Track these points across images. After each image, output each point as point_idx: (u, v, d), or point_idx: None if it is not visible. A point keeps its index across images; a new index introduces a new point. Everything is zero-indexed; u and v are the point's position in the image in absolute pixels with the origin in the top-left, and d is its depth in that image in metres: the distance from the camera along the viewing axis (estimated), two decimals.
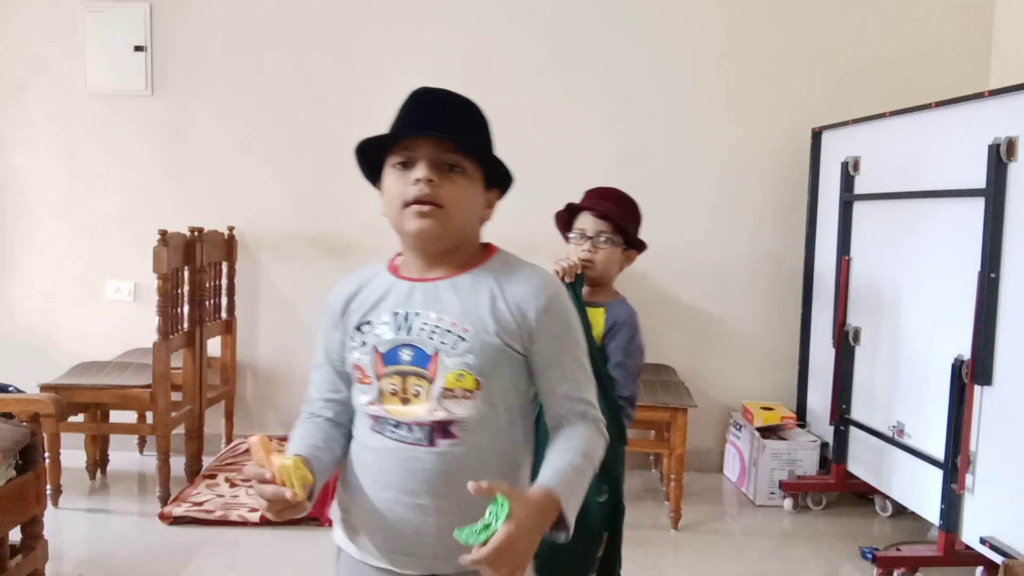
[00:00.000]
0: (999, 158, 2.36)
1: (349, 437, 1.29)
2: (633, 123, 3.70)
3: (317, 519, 2.86)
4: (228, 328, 3.68)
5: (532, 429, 1.26)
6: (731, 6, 3.68)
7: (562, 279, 1.78)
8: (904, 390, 2.87)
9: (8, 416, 2.30)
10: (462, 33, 3.67)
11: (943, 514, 2.56)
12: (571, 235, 1.93)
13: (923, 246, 2.79)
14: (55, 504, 3.01)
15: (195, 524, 2.94)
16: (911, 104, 2.89)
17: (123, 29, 3.69)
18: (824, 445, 3.39)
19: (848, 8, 3.67)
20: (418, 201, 1.16)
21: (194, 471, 3.35)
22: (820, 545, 2.99)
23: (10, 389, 2.54)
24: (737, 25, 3.69)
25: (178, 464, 3.31)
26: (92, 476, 3.42)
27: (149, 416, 3.18)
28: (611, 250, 1.90)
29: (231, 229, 3.69)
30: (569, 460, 1.16)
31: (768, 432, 3.43)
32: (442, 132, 1.16)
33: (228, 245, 3.67)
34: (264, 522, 2.90)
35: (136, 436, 3.72)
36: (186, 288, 3.27)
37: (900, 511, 3.15)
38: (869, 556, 2.78)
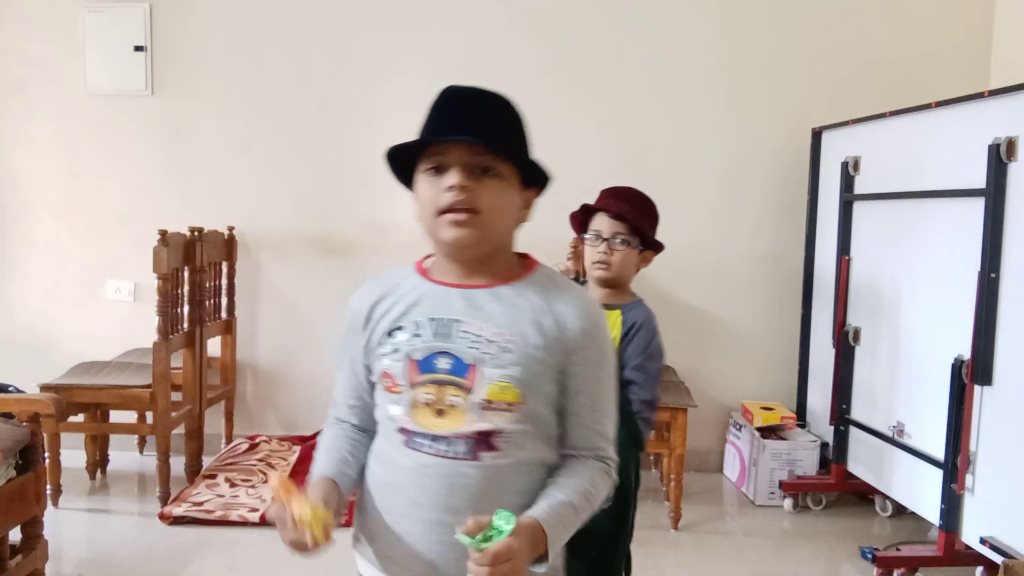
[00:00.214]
0: (999, 158, 2.36)
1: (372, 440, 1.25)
2: (633, 123, 3.70)
3: None
4: (228, 328, 3.68)
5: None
6: (731, 6, 3.68)
7: None
8: (904, 390, 2.87)
9: (8, 416, 2.31)
10: (462, 34, 3.67)
11: (943, 514, 2.56)
12: (586, 236, 1.90)
13: (923, 246, 2.79)
14: (55, 504, 3.01)
15: (195, 524, 2.94)
16: (911, 104, 2.89)
17: (123, 29, 3.69)
18: (824, 445, 3.39)
19: (848, 8, 3.67)
20: (452, 209, 1.11)
21: (194, 471, 3.35)
22: (820, 545, 2.99)
23: (10, 389, 2.54)
24: (737, 25, 3.69)
25: (178, 464, 3.31)
26: (92, 476, 3.42)
27: (149, 416, 3.18)
28: (627, 251, 1.86)
29: (231, 229, 3.69)
30: (568, 498, 1.13)
31: (768, 432, 3.43)
32: (473, 135, 1.11)
33: (228, 245, 3.67)
34: (264, 522, 2.90)
35: (136, 436, 3.72)
36: (186, 288, 3.27)
37: (900, 511, 3.15)
38: (869, 556, 2.78)
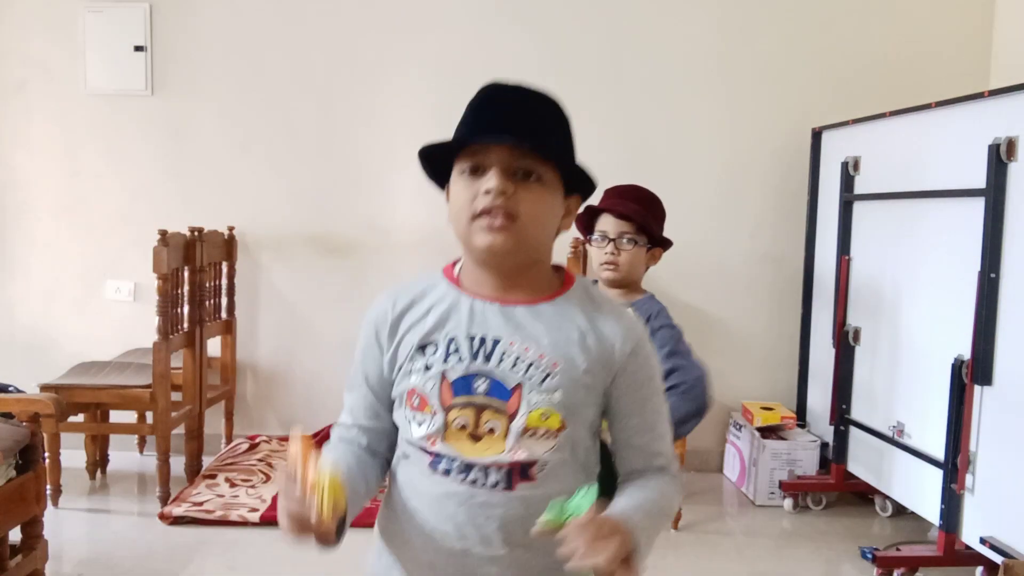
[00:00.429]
0: (999, 158, 2.36)
1: (385, 467, 1.15)
2: (633, 123, 3.70)
3: None
4: (228, 328, 3.68)
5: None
6: (731, 7, 3.68)
7: None
8: (904, 390, 2.87)
9: (8, 416, 2.30)
10: (462, 34, 3.67)
11: (943, 514, 2.56)
12: (592, 237, 1.87)
13: (923, 246, 2.79)
14: (55, 504, 3.01)
15: (195, 524, 2.94)
16: (911, 104, 2.89)
17: (123, 29, 3.69)
18: (824, 445, 3.39)
19: (848, 8, 3.67)
20: (489, 212, 1.02)
21: (194, 471, 3.35)
22: (820, 545, 2.99)
23: (10, 389, 2.54)
24: (737, 25, 3.69)
25: (178, 464, 3.31)
26: (92, 476, 3.41)
27: (149, 416, 3.18)
28: (635, 251, 1.84)
29: (231, 229, 3.69)
30: (646, 498, 1.08)
31: (768, 432, 3.43)
32: (517, 136, 1.02)
33: (228, 245, 3.67)
34: (264, 522, 2.90)
35: (136, 436, 3.72)
36: (186, 288, 3.27)
37: (900, 511, 3.14)
38: (869, 556, 2.78)
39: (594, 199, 1.92)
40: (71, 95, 3.72)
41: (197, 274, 3.32)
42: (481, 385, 1.04)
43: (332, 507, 0.93)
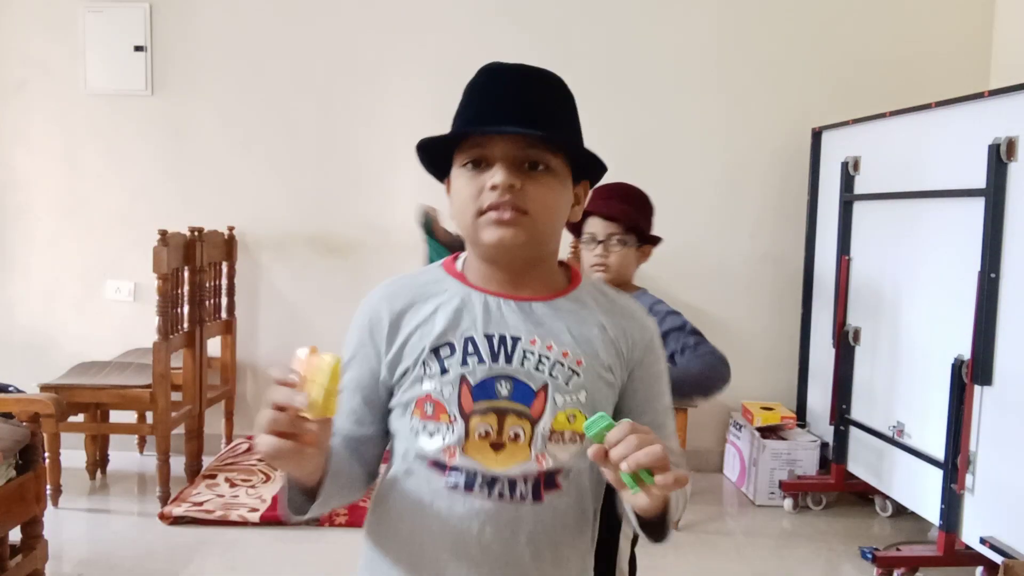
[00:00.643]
0: (999, 158, 2.36)
1: (368, 479, 1.04)
2: (633, 123, 3.70)
3: (316, 519, 2.86)
4: (228, 328, 3.68)
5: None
6: (731, 7, 3.68)
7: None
8: (904, 390, 2.87)
9: (8, 416, 2.31)
10: (462, 33, 3.66)
11: (943, 514, 2.56)
12: (582, 239, 1.87)
13: (923, 246, 2.79)
14: (55, 504, 3.01)
15: (195, 524, 2.94)
16: (911, 104, 2.89)
17: (123, 29, 3.68)
18: (824, 445, 3.39)
19: (848, 8, 3.67)
20: (495, 208, 0.95)
21: (194, 471, 3.35)
22: (820, 545, 2.99)
23: (10, 389, 2.54)
24: (737, 25, 3.69)
25: (178, 464, 3.31)
26: (92, 476, 3.41)
27: (149, 416, 3.18)
28: (624, 251, 1.83)
29: (231, 229, 3.69)
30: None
31: (768, 432, 3.43)
32: (523, 123, 0.95)
33: (228, 245, 3.67)
34: (264, 522, 2.90)
35: (136, 436, 3.72)
36: (186, 288, 3.27)
37: (900, 511, 3.15)
38: (869, 556, 2.78)
39: None
40: (71, 95, 3.72)
41: (197, 274, 3.32)
42: (504, 388, 0.96)
43: (327, 398, 0.80)
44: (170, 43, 3.70)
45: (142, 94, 3.72)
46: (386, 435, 1.04)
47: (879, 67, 3.64)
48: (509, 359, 0.97)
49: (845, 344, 3.20)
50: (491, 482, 0.96)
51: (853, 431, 3.17)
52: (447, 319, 0.99)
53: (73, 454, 3.29)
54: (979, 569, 2.55)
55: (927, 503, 2.69)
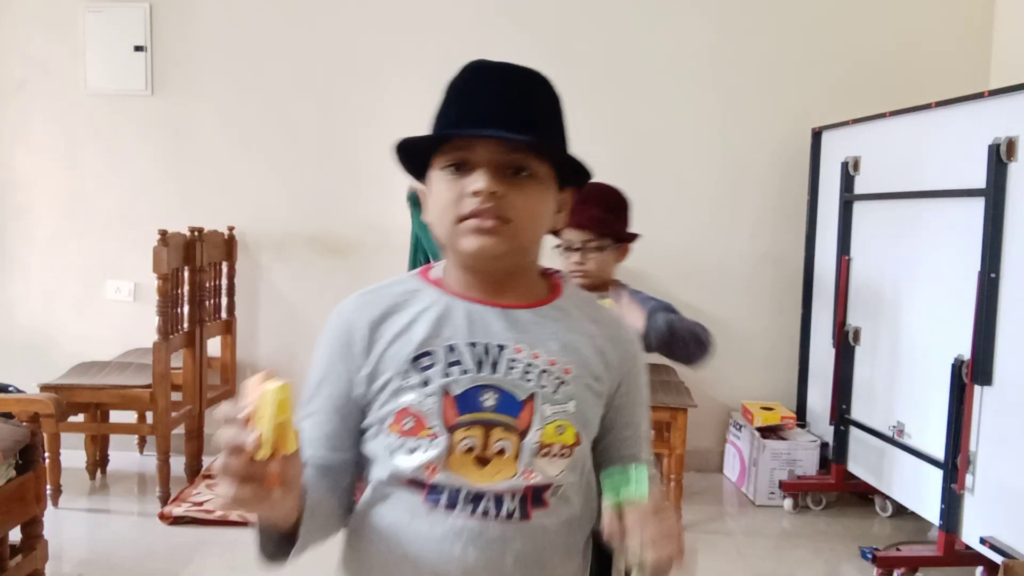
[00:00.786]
0: (999, 158, 2.36)
1: (347, 510, 0.98)
2: (633, 123, 3.70)
3: None
4: (228, 328, 3.68)
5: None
6: (731, 6, 3.68)
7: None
8: (904, 390, 2.87)
9: (8, 416, 2.30)
10: (462, 34, 3.66)
11: (943, 514, 2.56)
12: (558, 247, 1.86)
13: (923, 246, 2.79)
14: (55, 504, 3.01)
15: (195, 524, 2.94)
16: (911, 104, 2.89)
17: (123, 29, 3.68)
18: (824, 445, 3.39)
19: (848, 8, 3.67)
20: (476, 215, 0.90)
21: (194, 471, 3.34)
22: (820, 545, 2.99)
23: (10, 389, 2.54)
24: (737, 25, 3.69)
25: (178, 464, 3.31)
26: (92, 476, 3.41)
27: (149, 416, 3.18)
28: (601, 256, 1.85)
29: (231, 229, 3.69)
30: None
31: (768, 432, 3.43)
32: (508, 126, 0.90)
33: (228, 245, 3.67)
34: None
35: (136, 436, 3.72)
36: (186, 288, 3.27)
37: (900, 511, 3.14)
38: (869, 556, 2.78)
39: None
40: (71, 95, 3.72)
41: (197, 274, 3.32)
42: (489, 399, 0.92)
43: (280, 431, 0.72)
44: (170, 43, 3.70)
45: (142, 94, 3.72)
46: (362, 460, 0.98)
47: (879, 67, 3.64)
48: (494, 368, 0.92)
49: (845, 344, 3.20)
50: (475, 499, 0.90)
51: (853, 431, 3.17)
52: (428, 327, 0.94)
53: (73, 454, 3.29)
54: (979, 569, 2.55)
55: (927, 503, 2.69)
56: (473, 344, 0.93)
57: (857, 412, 3.17)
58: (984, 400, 2.44)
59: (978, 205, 2.44)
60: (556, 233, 1.84)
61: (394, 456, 0.92)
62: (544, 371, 0.93)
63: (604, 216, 1.85)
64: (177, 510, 2.98)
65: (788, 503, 3.29)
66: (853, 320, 3.19)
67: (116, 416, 3.44)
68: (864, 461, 3.11)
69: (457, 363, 0.92)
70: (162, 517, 2.97)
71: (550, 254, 2.00)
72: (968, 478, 2.48)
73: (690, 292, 3.70)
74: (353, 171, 3.70)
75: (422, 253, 3.15)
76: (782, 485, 3.32)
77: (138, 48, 3.70)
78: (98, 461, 3.45)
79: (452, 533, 0.90)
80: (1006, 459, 2.37)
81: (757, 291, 3.75)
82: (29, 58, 3.71)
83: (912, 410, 2.82)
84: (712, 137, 3.71)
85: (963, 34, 3.65)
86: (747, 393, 3.72)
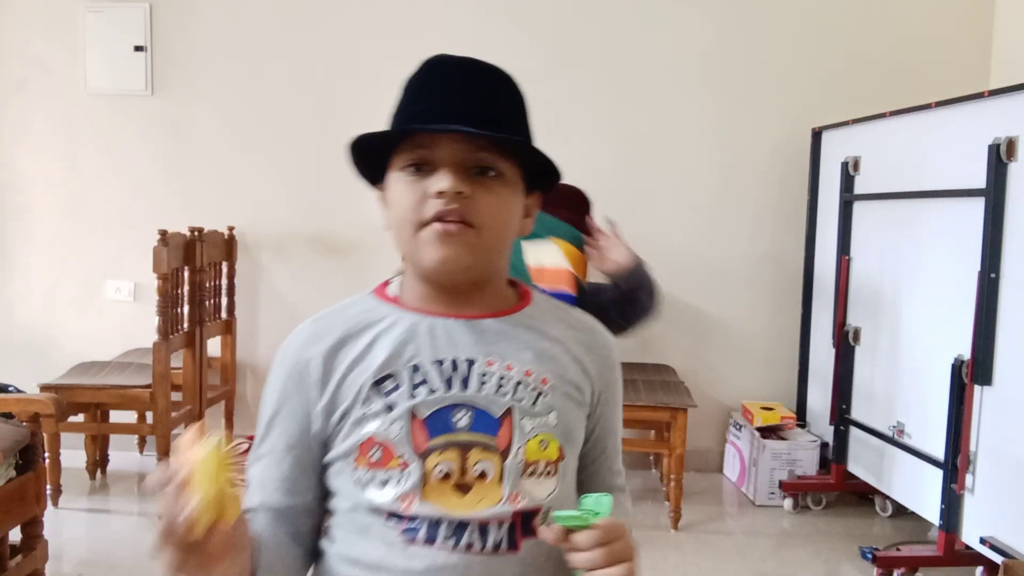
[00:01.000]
0: (999, 158, 2.36)
1: (311, 560, 0.91)
2: (633, 123, 3.70)
3: None
4: (228, 328, 3.68)
5: None
6: (731, 6, 3.68)
7: None
8: (904, 390, 2.87)
9: (8, 416, 2.30)
10: (462, 33, 3.66)
11: (943, 514, 2.56)
12: None
13: (923, 246, 2.79)
14: (55, 504, 3.01)
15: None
16: (911, 104, 2.89)
17: (123, 29, 3.68)
18: (824, 445, 3.39)
19: (848, 8, 3.67)
20: (440, 220, 0.84)
21: None
22: (820, 545, 2.99)
23: (10, 389, 2.54)
24: (737, 25, 3.69)
25: None
26: (92, 476, 3.41)
27: (149, 416, 3.18)
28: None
29: (231, 229, 3.69)
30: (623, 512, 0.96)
31: (768, 432, 3.43)
32: (474, 124, 0.84)
33: (228, 245, 3.67)
34: None
35: (136, 436, 3.72)
36: (186, 288, 3.27)
37: (900, 511, 3.14)
38: (869, 556, 2.78)
39: (590, 199, 1.93)
40: (71, 95, 3.72)
41: (197, 274, 3.32)
42: (463, 419, 0.84)
43: (219, 499, 0.68)
44: (170, 43, 3.70)
45: (142, 94, 3.72)
46: (325, 501, 0.91)
47: (879, 67, 3.64)
48: (465, 385, 0.85)
49: (845, 344, 3.20)
50: (458, 530, 0.83)
51: (853, 431, 3.17)
52: (388, 349, 0.87)
53: (73, 454, 3.29)
54: (979, 569, 2.55)
55: (927, 503, 2.69)
56: (439, 361, 0.86)
57: (857, 412, 3.17)
58: (984, 400, 2.44)
59: (978, 205, 2.44)
60: None
61: (366, 490, 0.85)
62: (520, 383, 0.87)
63: (571, 217, 1.86)
64: None
65: (788, 503, 3.29)
66: (853, 320, 3.19)
67: (116, 416, 3.44)
68: (864, 461, 3.11)
69: (423, 383, 0.85)
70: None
71: None
72: (968, 478, 2.48)
73: (690, 292, 3.71)
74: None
75: None
76: (782, 485, 3.32)
77: (138, 48, 3.70)
78: (98, 461, 3.45)
79: (432, 570, 0.82)
80: (1006, 459, 2.37)
81: (757, 291, 3.75)
82: (29, 58, 3.71)
83: (912, 410, 2.82)
84: (712, 137, 3.71)
85: (963, 34, 3.65)
86: (747, 393, 3.72)
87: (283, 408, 0.90)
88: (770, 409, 3.51)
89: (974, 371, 2.44)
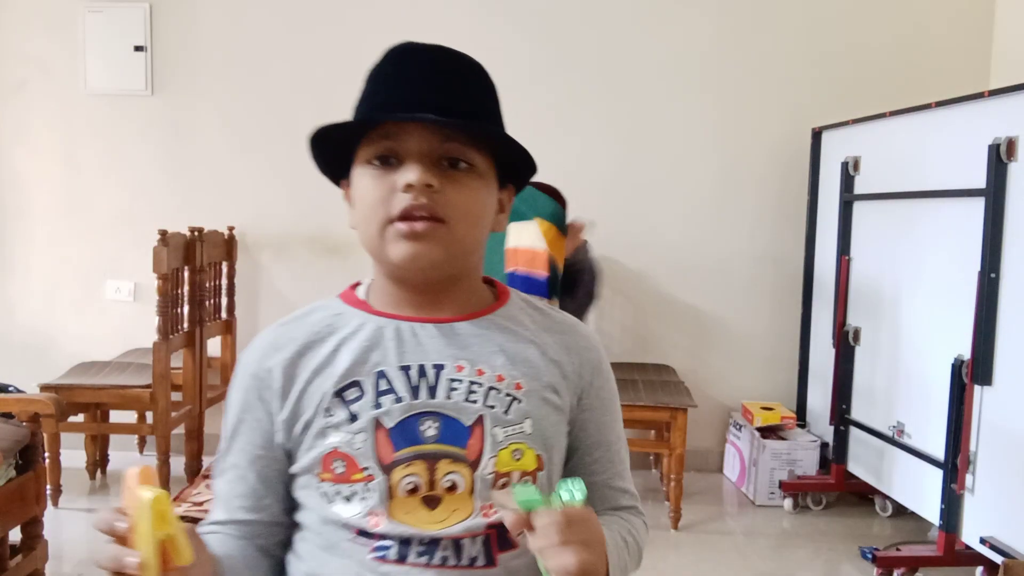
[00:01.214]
0: (999, 158, 2.36)
1: (279, 570, 0.87)
2: (633, 123, 3.70)
3: None
4: (228, 328, 3.68)
5: None
6: (731, 6, 3.68)
7: None
8: (904, 390, 2.87)
9: (8, 416, 2.30)
10: (462, 33, 3.65)
11: (943, 514, 2.56)
12: None
13: (923, 246, 2.79)
14: (55, 504, 3.01)
15: (195, 524, 2.93)
16: (911, 104, 2.89)
17: (123, 29, 3.68)
18: (824, 445, 3.39)
19: (848, 8, 3.67)
20: (408, 216, 0.80)
21: (194, 471, 3.34)
22: (820, 545, 2.99)
23: (10, 389, 2.54)
24: (737, 25, 3.69)
25: (178, 464, 3.31)
26: (92, 476, 3.41)
27: (149, 416, 3.18)
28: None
29: (231, 229, 3.69)
30: (622, 526, 0.87)
31: (768, 432, 3.43)
32: (443, 113, 0.79)
33: (228, 245, 3.67)
34: None
35: (136, 436, 3.72)
36: (186, 288, 3.27)
37: (900, 511, 3.14)
38: (869, 556, 2.78)
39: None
40: (71, 95, 3.72)
41: (197, 274, 3.32)
42: (430, 428, 0.80)
43: (168, 545, 0.65)
44: (170, 43, 3.70)
45: (142, 94, 3.72)
46: (293, 513, 0.87)
47: (879, 67, 3.64)
48: (432, 392, 0.81)
49: (845, 344, 3.20)
50: (430, 547, 0.78)
51: (853, 431, 3.17)
52: (352, 356, 0.83)
53: (73, 454, 3.29)
54: (979, 569, 2.55)
55: (927, 503, 2.69)
56: (406, 367, 0.82)
57: (857, 412, 3.17)
58: (984, 400, 2.44)
59: (978, 205, 2.44)
60: None
61: (332, 504, 0.81)
62: (492, 389, 0.82)
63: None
64: (177, 510, 2.97)
65: (788, 503, 3.29)
66: (853, 320, 3.19)
67: (116, 416, 3.44)
68: (864, 461, 3.11)
69: (388, 391, 0.81)
70: None
71: None
72: (968, 478, 2.48)
73: (690, 292, 3.71)
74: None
75: None
76: (782, 485, 3.32)
77: (138, 48, 3.70)
78: (98, 461, 3.45)
79: None
80: (1006, 459, 2.37)
81: (757, 291, 3.75)
82: (29, 58, 3.71)
83: (912, 410, 2.82)
84: (712, 137, 3.71)
85: (963, 34, 3.65)
86: (747, 393, 3.72)
87: (245, 420, 0.86)
88: (770, 409, 3.51)
89: (974, 371, 2.44)
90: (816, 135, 3.54)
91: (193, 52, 3.71)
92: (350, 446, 0.80)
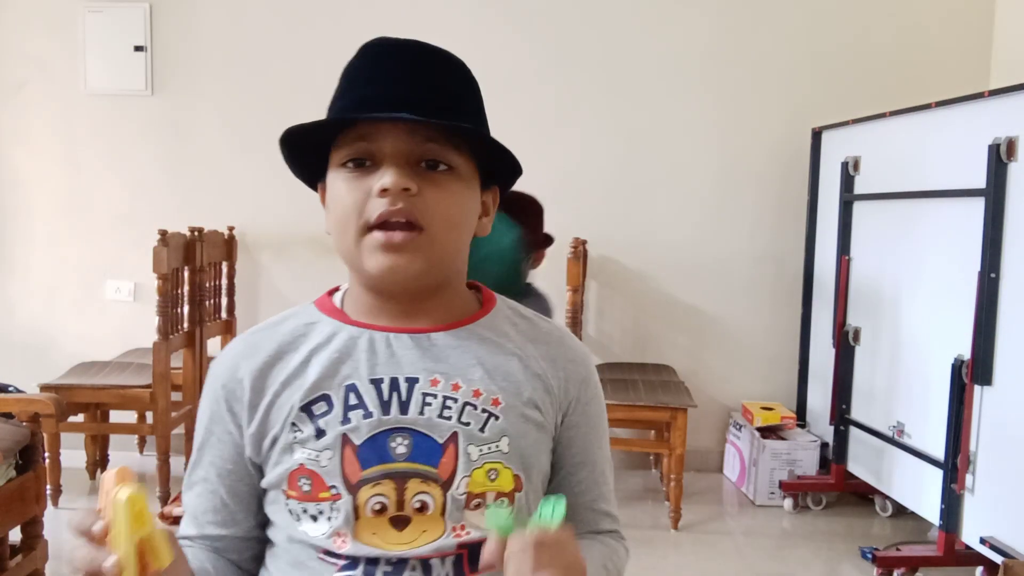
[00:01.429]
0: (999, 158, 2.36)
1: None
2: (633, 123, 3.70)
3: None
4: (228, 328, 3.68)
5: None
6: (730, 6, 3.68)
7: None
8: (904, 390, 2.87)
9: (8, 416, 2.30)
10: (462, 33, 3.66)
11: (943, 514, 2.56)
12: None
13: (923, 246, 2.79)
14: (55, 504, 3.00)
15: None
16: (911, 104, 2.89)
17: (123, 29, 3.68)
18: (824, 445, 3.39)
19: (848, 7, 3.67)
20: (385, 224, 0.75)
21: None
22: (820, 545, 2.99)
23: (10, 389, 2.53)
24: (737, 25, 3.69)
25: (178, 464, 3.30)
26: (92, 476, 3.41)
27: (149, 416, 3.18)
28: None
29: (231, 229, 3.69)
30: (601, 552, 0.85)
31: (768, 432, 3.43)
32: (421, 112, 0.75)
33: (228, 245, 3.67)
34: None
35: (136, 436, 3.72)
36: (186, 288, 3.27)
37: (900, 511, 3.14)
38: (869, 556, 2.78)
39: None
40: (71, 95, 3.72)
41: (197, 274, 3.32)
42: (401, 446, 0.76)
43: (145, 546, 0.64)
44: (170, 43, 3.70)
45: (142, 94, 3.72)
46: (265, 528, 0.84)
47: (879, 67, 3.64)
48: (404, 408, 0.77)
49: (845, 344, 3.20)
50: (398, 567, 0.75)
51: (853, 431, 3.17)
52: (322, 367, 0.79)
53: (73, 454, 3.29)
54: (979, 569, 2.55)
55: (927, 503, 2.69)
56: (377, 380, 0.78)
57: (857, 412, 3.17)
58: (984, 400, 2.44)
59: (978, 205, 2.44)
60: None
61: (300, 523, 0.78)
62: (467, 405, 0.78)
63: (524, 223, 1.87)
64: (177, 510, 2.98)
65: (788, 503, 3.29)
66: (853, 320, 3.19)
67: (116, 416, 3.44)
68: (864, 461, 3.11)
69: (358, 406, 0.77)
70: (162, 517, 2.97)
71: None
72: (968, 478, 2.48)
73: (690, 292, 3.71)
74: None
75: None
76: (782, 485, 3.32)
77: (138, 48, 3.70)
78: (98, 461, 3.45)
79: None
80: (1006, 459, 2.37)
81: (757, 291, 3.75)
82: (29, 58, 3.71)
83: (912, 410, 2.82)
84: (712, 137, 3.71)
85: (963, 34, 3.65)
86: (747, 393, 3.72)
87: (213, 432, 0.82)
88: (770, 409, 3.51)
89: (974, 371, 2.44)
90: (816, 135, 3.54)
91: (193, 52, 3.71)
92: (316, 463, 0.76)
